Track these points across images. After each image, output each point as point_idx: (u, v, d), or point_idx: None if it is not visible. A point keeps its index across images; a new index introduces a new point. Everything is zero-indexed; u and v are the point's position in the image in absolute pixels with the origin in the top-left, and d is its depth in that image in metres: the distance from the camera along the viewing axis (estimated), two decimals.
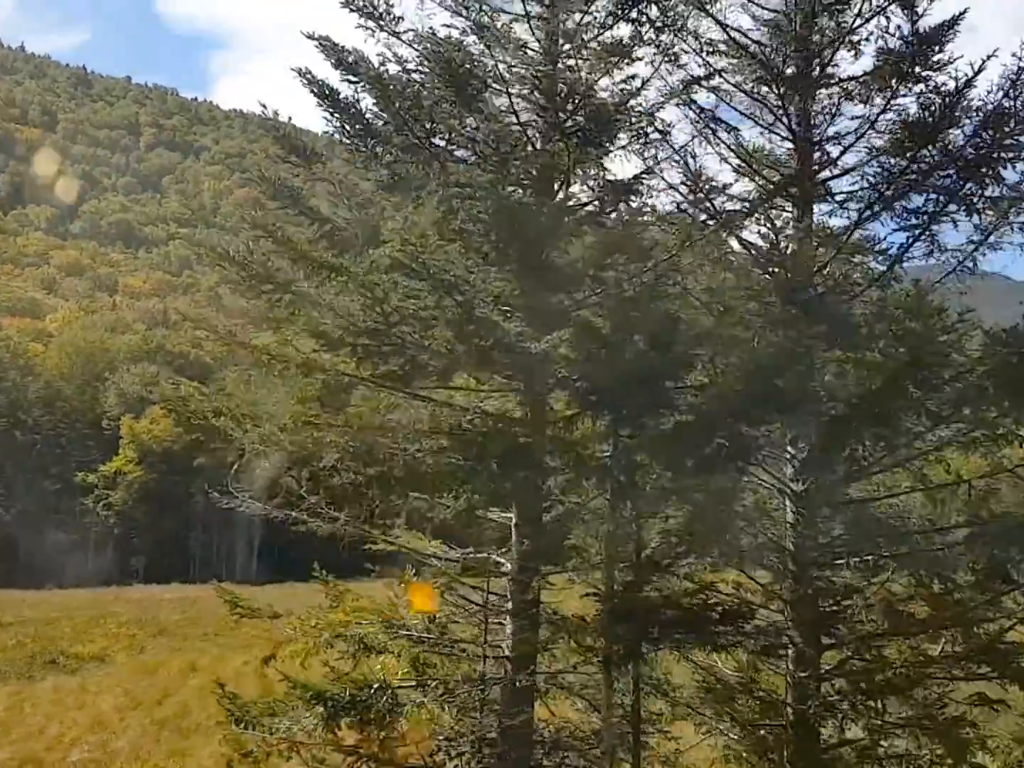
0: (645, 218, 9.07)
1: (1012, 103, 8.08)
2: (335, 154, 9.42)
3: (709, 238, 8.23)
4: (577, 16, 8.69)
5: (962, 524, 8.54)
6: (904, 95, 8.92)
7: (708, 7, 9.15)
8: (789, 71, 9.20)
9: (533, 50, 8.45)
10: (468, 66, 7.56)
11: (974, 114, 8.48)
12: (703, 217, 8.70)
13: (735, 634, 8.66)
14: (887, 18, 9.07)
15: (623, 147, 8.93)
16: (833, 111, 9.14)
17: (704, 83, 9.07)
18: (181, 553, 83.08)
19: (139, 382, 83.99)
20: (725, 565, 9.69)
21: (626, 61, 8.97)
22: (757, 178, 9.36)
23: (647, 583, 8.96)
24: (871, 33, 9.19)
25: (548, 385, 8.07)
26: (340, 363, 7.80)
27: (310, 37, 8.45)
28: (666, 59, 9.02)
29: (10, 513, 79.92)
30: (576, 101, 7.93)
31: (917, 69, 8.75)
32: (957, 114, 8.53)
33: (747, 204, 8.71)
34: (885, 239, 9.24)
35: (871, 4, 9.07)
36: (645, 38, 8.92)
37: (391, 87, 7.79)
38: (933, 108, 8.24)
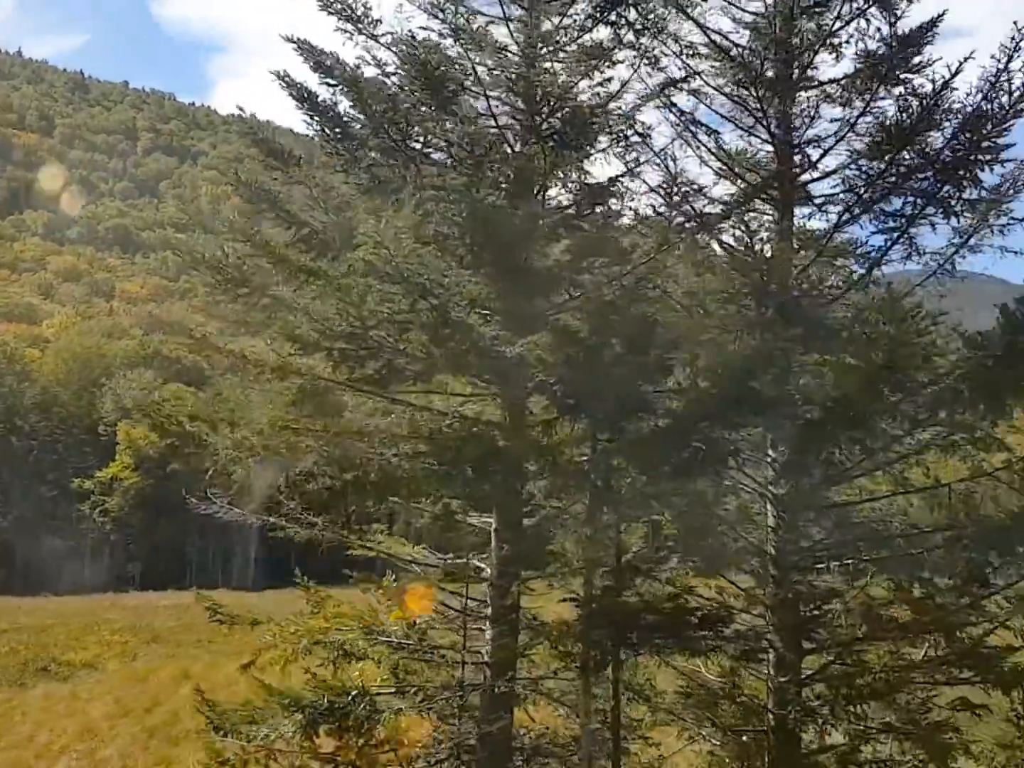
0: (625, 220, 9.05)
1: (989, 105, 8.06)
2: (319, 157, 9.39)
3: (687, 241, 8.19)
4: (556, 19, 8.67)
5: (941, 528, 8.51)
6: (883, 98, 8.91)
7: (689, 10, 9.16)
8: (769, 74, 9.18)
9: (512, 53, 8.44)
10: (444, 69, 7.53)
11: (953, 116, 8.47)
12: (682, 220, 8.67)
13: (714, 638, 8.63)
14: (867, 20, 9.07)
15: (603, 150, 8.92)
16: (812, 114, 9.12)
17: (684, 86, 9.06)
18: (178, 559, 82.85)
19: (136, 387, 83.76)
20: (707, 569, 9.65)
21: (606, 64, 8.96)
22: (738, 181, 9.35)
23: (627, 588, 8.93)
24: (851, 36, 9.19)
25: (526, 389, 8.03)
26: (317, 367, 7.76)
27: (289, 40, 8.42)
28: (646, 62, 9.01)
29: (7, 519, 79.71)
30: (552, 104, 7.90)
31: (896, 71, 8.75)
32: (936, 116, 8.51)
33: (726, 207, 8.68)
34: (867, 242, 9.26)
35: (851, 6, 9.06)
36: (624, 41, 8.90)
37: (366, 90, 7.76)
38: (911, 110, 8.21)
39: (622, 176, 8.91)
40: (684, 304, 8.89)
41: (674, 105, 9.20)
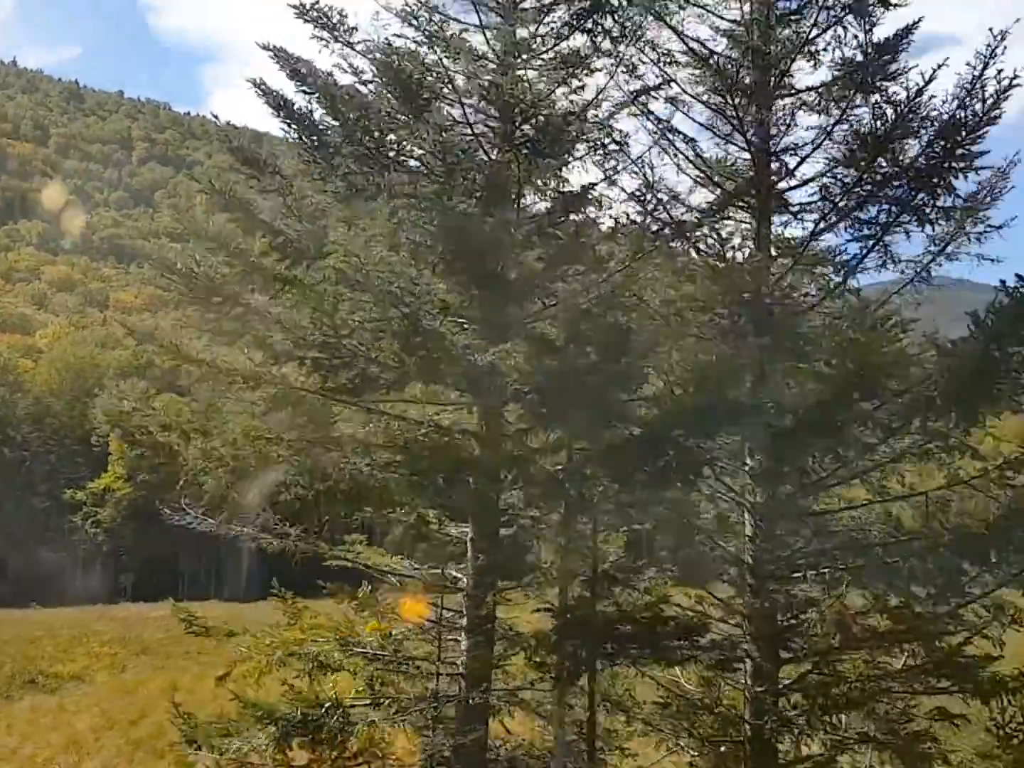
0: (603, 228, 9.03)
1: (963, 113, 8.06)
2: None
3: (662, 248, 8.17)
4: (532, 27, 8.67)
5: (917, 536, 8.47)
6: (860, 105, 8.91)
7: (667, 18, 9.15)
8: (746, 81, 9.17)
9: (488, 60, 8.43)
10: (418, 76, 7.52)
11: (930, 124, 8.47)
12: (659, 227, 8.66)
13: (690, 648, 8.58)
14: (844, 28, 9.08)
15: (580, 158, 8.92)
16: (789, 121, 9.12)
17: (660, 93, 9.05)
18: (170, 571, 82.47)
19: (128, 398, 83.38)
20: (685, 579, 9.61)
21: (584, 72, 8.97)
22: (715, 188, 9.34)
23: (603, 598, 8.89)
24: (828, 43, 9.20)
25: (502, 398, 8.00)
26: (291, 376, 7.72)
27: (265, 48, 8.41)
28: (623, 70, 9.01)
29: None
30: (526, 112, 7.88)
31: (872, 79, 8.75)
32: (913, 124, 8.51)
33: (702, 214, 8.66)
34: (845, 250, 9.24)
35: (828, 14, 9.07)
36: (602, 49, 8.91)
37: (339, 97, 7.74)
38: (885, 118, 8.21)
39: (600, 184, 8.90)
40: (661, 312, 8.87)
41: (651, 113, 9.19)
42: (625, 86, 9.06)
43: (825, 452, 7.78)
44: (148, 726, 22.38)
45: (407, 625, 8.74)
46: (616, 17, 8.45)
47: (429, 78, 7.84)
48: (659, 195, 8.98)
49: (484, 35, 8.40)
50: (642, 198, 8.72)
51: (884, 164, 8.51)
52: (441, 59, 8.02)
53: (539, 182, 9.06)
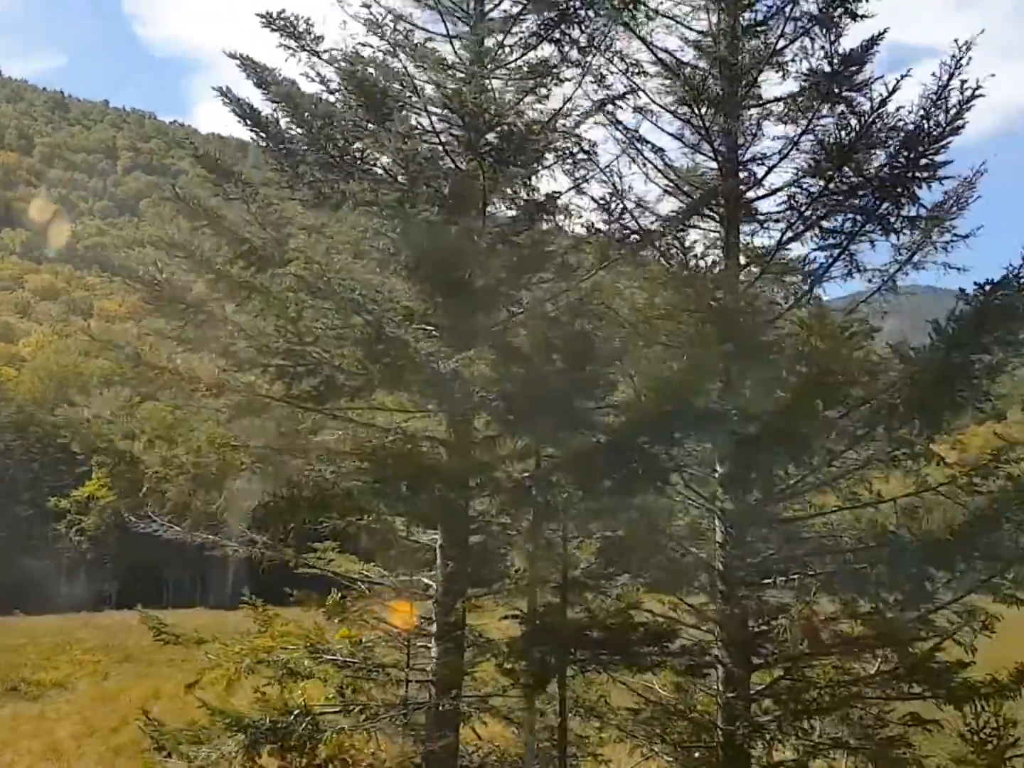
0: (572, 237, 9.06)
1: (927, 123, 8.13)
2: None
3: (627, 257, 8.21)
4: (500, 36, 8.71)
5: (885, 543, 8.52)
6: (826, 116, 8.98)
7: (636, 29, 9.20)
8: (714, 92, 9.23)
9: (456, 69, 8.46)
10: (382, 85, 7.54)
11: (895, 135, 8.53)
12: (626, 235, 8.69)
13: (660, 654, 8.60)
14: (811, 39, 9.14)
15: (549, 166, 8.95)
16: (755, 131, 9.18)
17: (629, 103, 9.10)
18: (155, 579, 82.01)
19: (112, 406, 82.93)
20: (656, 585, 9.63)
21: (553, 82, 9.02)
22: (684, 197, 9.39)
23: (574, 604, 8.90)
24: (796, 55, 9.26)
25: (468, 405, 8.01)
26: (257, 383, 7.72)
27: (232, 56, 8.43)
28: (591, 80, 9.06)
29: None
30: (490, 121, 7.91)
31: (838, 90, 8.81)
32: (882, 135, 8.58)
33: (668, 222, 8.71)
34: (814, 259, 9.30)
35: (795, 25, 9.14)
36: (571, 59, 8.96)
37: (303, 105, 7.76)
38: (849, 129, 8.27)
39: (568, 192, 8.94)
40: (630, 320, 8.90)
41: (620, 123, 9.24)
42: (594, 95, 9.12)
43: (790, 459, 7.81)
44: (129, 733, 22.16)
45: (377, 632, 8.73)
46: (583, 27, 8.48)
47: (394, 86, 7.86)
48: (627, 204, 9.03)
49: (452, 44, 8.43)
50: (610, 207, 8.76)
51: (849, 174, 8.57)
52: (406, 67, 8.04)
53: (509, 191, 9.09)
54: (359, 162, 7.78)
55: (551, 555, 8.61)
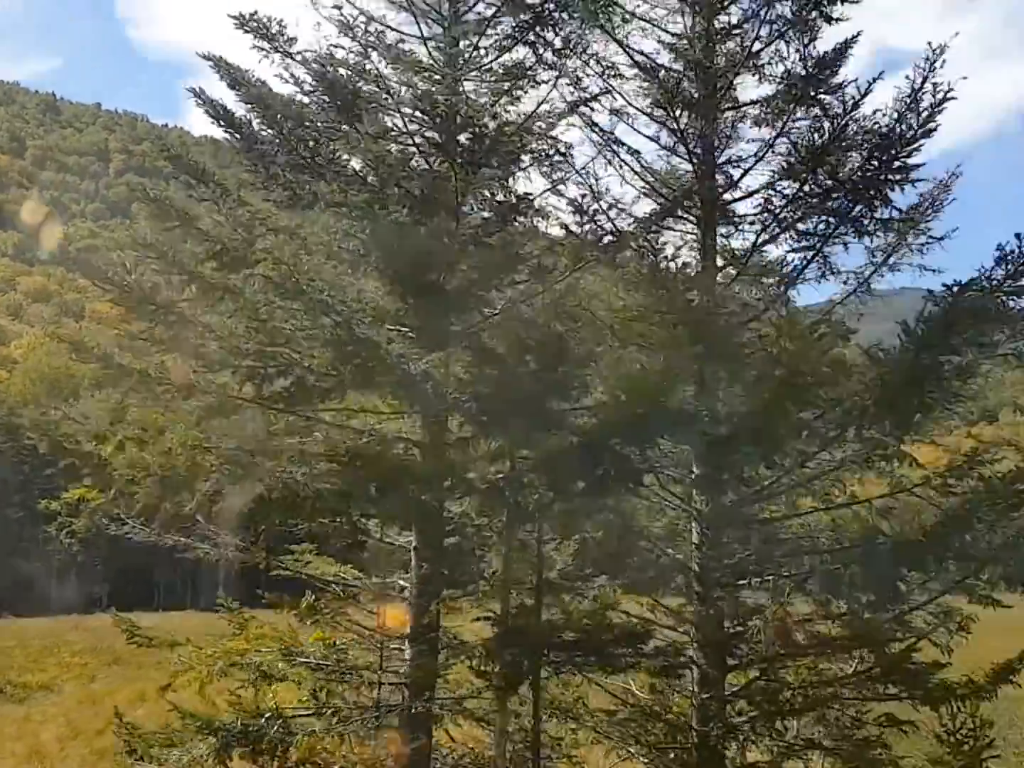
0: (548, 238, 9.07)
1: (900, 126, 8.14)
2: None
3: (603, 258, 8.21)
4: (475, 38, 8.71)
5: (859, 544, 8.53)
6: (801, 119, 8.99)
7: (613, 32, 9.21)
8: (690, 94, 9.24)
9: (429, 71, 8.45)
10: (352, 86, 7.53)
11: (870, 137, 8.55)
12: (601, 237, 8.69)
13: (634, 655, 8.59)
14: (786, 42, 9.16)
15: (525, 168, 8.95)
16: (730, 134, 9.19)
17: (605, 105, 9.10)
18: (146, 581, 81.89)
19: (103, 408, 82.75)
20: (633, 587, 9.63)
21: (531, 84, 9.02)
22: (661, 199, 9.39)
23: (550, 606, 8.90)
24: (772, 58, 9.28)
25: (442, 406, 8.00)
26: (229, 385, 7.70)
27: (205, 58, 8.42)
28: (567, 82, 9.06)
29: None
30: (462, 122, 7.91)
31: (812, 92, 8.83)
32: (857, 138, 8.59)
33: (642, 224, 8.71)
34: (792, 262, 9.31)
35: (770, 28, 9.15)
36: (547, 61, 8.96)
37: (274, 106, 7.75)
38: (822, 131, 8.29)
39: (544, 194, 8.94)
40: (607, 321, 8.90)
41: (596, 125, 9.24)
42: (570, 98, 9.12)
43: (761, 460, 7.82)
44: (113, 736, 22.13)
45: (351, 634, 8.72)
46: (557, 30, 8.48)
47: (367, 88, 7.86)
48: (604, 205, 9.04)
49: (426, 46, 8.42)
50: (587, 208, 8.76)
51: (823, 176, 8.59)
52: (379, 69, 8.04)
53: (487, 192, 9.09)
54: (331, 163, 7.77)
55: (525, 556, 8.61)
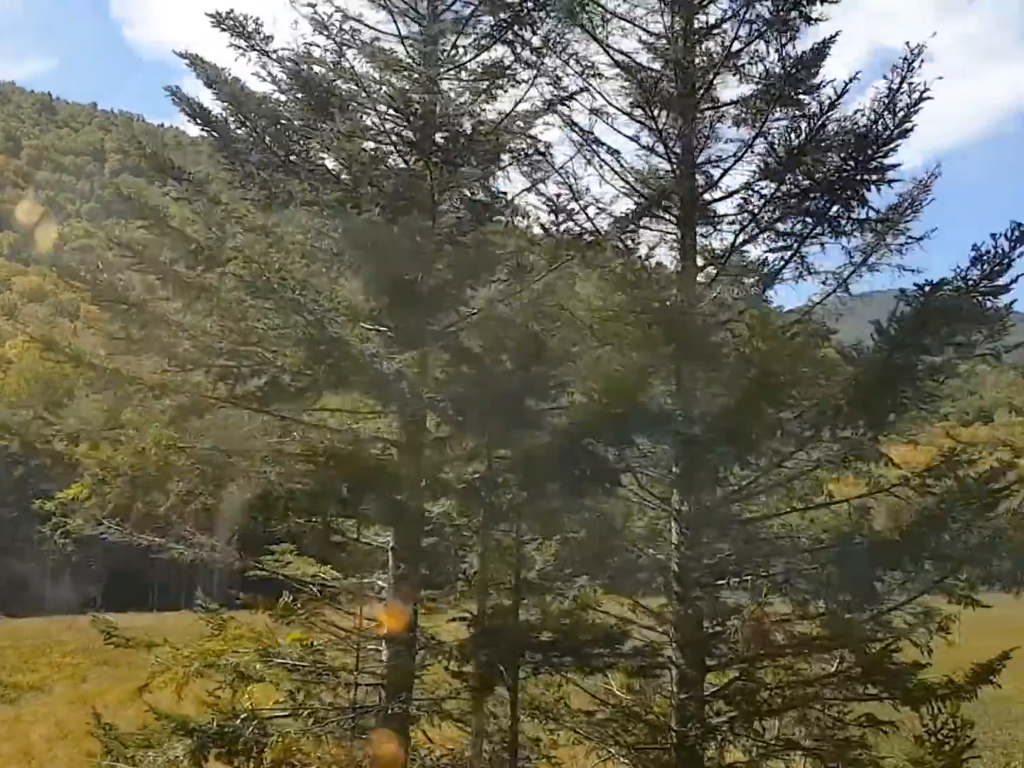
0: (527, 237, 9.05)
1: (877, 126, 8.13)
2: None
3: (582, 257, 8.19)
4: (452, 37, 8.69)
5: (837, 544, 8.52)
6: (780, 119, 8.98)
7: (594, 30, 9.19)
8: (669, 94, 9.22)
9: (405, 69, 8.42)
10: (327, 84, 7.50)
11: (849, 138, 8.52)
12: (577, 236, 8.67)
13: (611, 655, 8.57)
14: (765, 42, 9.15)
15: (504, 167, 8.94)
16: (708, 133, 9.17)
17: (583, 104, 9.09)
18: (140, 581, 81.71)
19: (99, 409, 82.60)
20: (612, 587, 9.61)
21: (511, 83, 9.00)
22: (641, 199, 9.37)
23: (530, 606, 8.87)
24: (752, 57, 9.26)
25: (418, 406, 7.97)
26: (202, 384, 7.67)
27: (182, 56, 8.40)
28: (547, 81, 9.04)
29: None
30: (439, 122, 7.89)
31: (791, 92, 8.81)
32: (840, 138, 8.57)
33: (620, 223, 8.70)
34: (774, 262, 9.29)
35: (750, 28, 9.13)
36: (526, 61, 8.95)
37: (247, 104, 7.72)
38: (799, 131, 8.28)
39: (523, 193, 8.93)
40: (586, 321, 8.88)
41: (575, 124, 9.23)
42: (550, 97, 9.10)
43: (735, 460, 7.79)
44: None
45: (327, 635, 8.69)
46: (535, 29, 8.47)
47: (342, 86, 7.83)
48: (583, 204, 9.02)
49: (403, 45, 8.40)
50: (566, 207, 8.74)
51: (801, 177, 8.58)
52: (354, 67, 8.01)
53: (467, 192, 9.07)
54: (305, 162, 7.74)
55: (503, 557, 8.58)
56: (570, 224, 8.85)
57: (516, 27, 8.59)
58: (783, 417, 7.66)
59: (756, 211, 8.81)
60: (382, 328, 8.27)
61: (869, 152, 8.15)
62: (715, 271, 9.22)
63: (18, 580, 73.10)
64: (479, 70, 8.71)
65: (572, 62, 9.21)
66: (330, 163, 7.99)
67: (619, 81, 9.51)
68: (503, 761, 8.69)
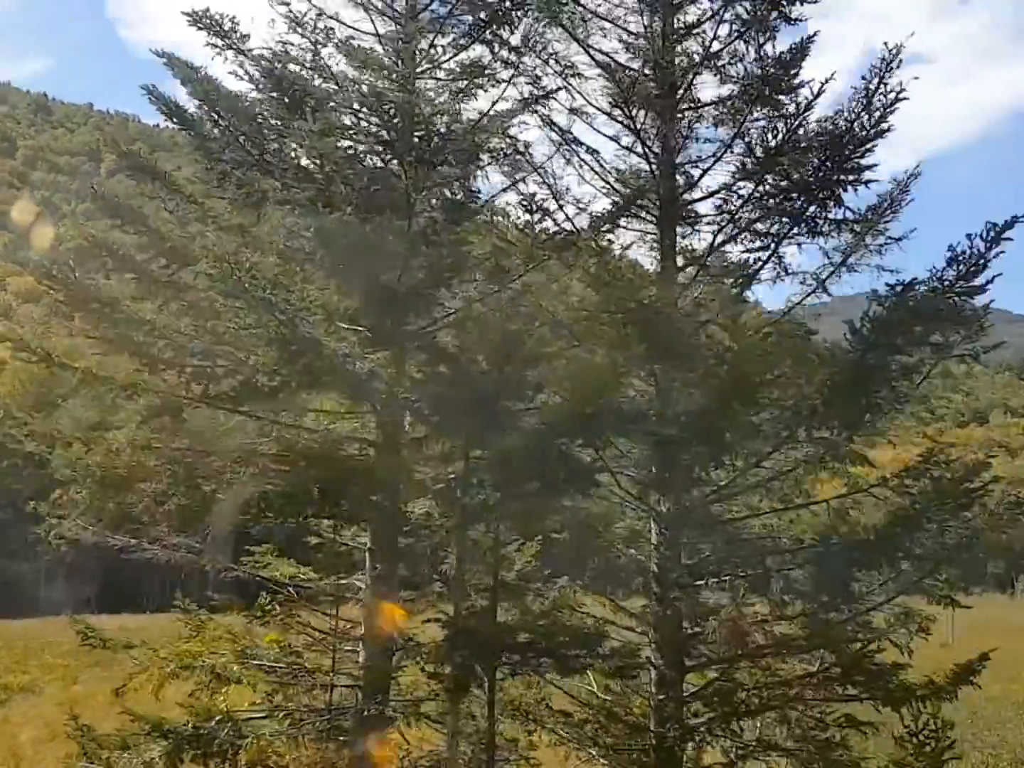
0: (504, 237, 9.02)
1: (851, 126, 8.12)
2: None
3: (560, 257, 8.17)
4: (431, 36, 8.67)
5: (815, 544, 8.51)
6: (759, 119, 8.96)
7: (574, 29, 9.18)
8: (649, 93, 9.20)
9: (381, 67, 8.40)
10: (301, 83, 7.48)
11: (825, 138, 8.51)
12: (555, 236, 8.65)
13: (589, 656, 8.54)
14: (745, 42, 9.14)
15: (483, 167, 8.91)
16: (687, 134, 9.16)
17: (564, 104, 9.08)
18: (134, 582, 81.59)
19: (93, 408, 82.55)
20: (592, 587, 9.60)
21: (491, 83, 8.99)
22: (620, 199, 9.36)
23: (508, 608, 8.85)
24: (731, 58, 9.25)
25: (393, 406, 7.95)
26: (176, 384, 7.64)
27: (158, 55, 8.37)
28: (526, 81, 9.03)
29: None
30: (415, 121, 7.87)
31: (769, 93, 8.80)
32: (820, 139, 8.55)
33: (597, 222, 8.68)
34: (755, 262, 9.28)
35: (729, 28, 9.13)
36: (505, 60, 8.93)
37: (220, 103, 7.69)
38: (776, 132, 8.26)
39: (502, 192, 8.91)
40: (563, 321, 8.86)
41: (554, 124, 9.21)
42: (528, 96, 9.09)
43: (710, 460, 7.78)
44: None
45: (304, 636, 8.67)
46: (512, 28, 8.45)
47: (318, 85, 7.80)
48: (562, 204, 9.01)
49: (380, 44, 8.37)
50: (542, 206, 8.72)
51: (778, 177, 8.57)
52: (329, 65, 7.99)
53: (447, 192, 9.05)
54: (279, 160, 7.71)
55: (481, 558, 8.56)
56: (548, 223, 8.85)
57: (494, 26, 8.58)
58: (759, 417, 7.65)
59: (735, 211, 8.80)
60: (359, 328, 8.23)
61: (846, 152, 8.14)
62: (694, 271, 9.22)
63: (12, 581, 72.98)
64: (457, 69, 8.69)
65: (552, 61, 9.21)
66: (304, 161, 7.97)
67: (599, 81, 9.51)
68: (480, 762, 8.65)
